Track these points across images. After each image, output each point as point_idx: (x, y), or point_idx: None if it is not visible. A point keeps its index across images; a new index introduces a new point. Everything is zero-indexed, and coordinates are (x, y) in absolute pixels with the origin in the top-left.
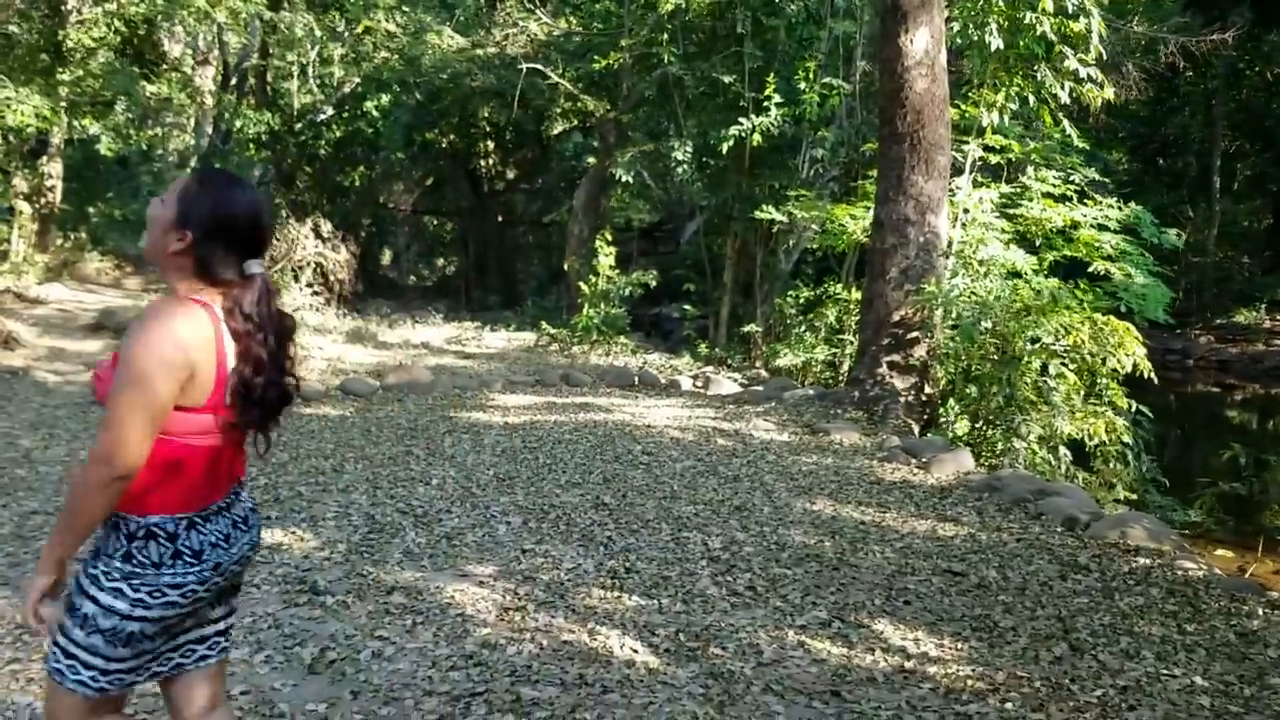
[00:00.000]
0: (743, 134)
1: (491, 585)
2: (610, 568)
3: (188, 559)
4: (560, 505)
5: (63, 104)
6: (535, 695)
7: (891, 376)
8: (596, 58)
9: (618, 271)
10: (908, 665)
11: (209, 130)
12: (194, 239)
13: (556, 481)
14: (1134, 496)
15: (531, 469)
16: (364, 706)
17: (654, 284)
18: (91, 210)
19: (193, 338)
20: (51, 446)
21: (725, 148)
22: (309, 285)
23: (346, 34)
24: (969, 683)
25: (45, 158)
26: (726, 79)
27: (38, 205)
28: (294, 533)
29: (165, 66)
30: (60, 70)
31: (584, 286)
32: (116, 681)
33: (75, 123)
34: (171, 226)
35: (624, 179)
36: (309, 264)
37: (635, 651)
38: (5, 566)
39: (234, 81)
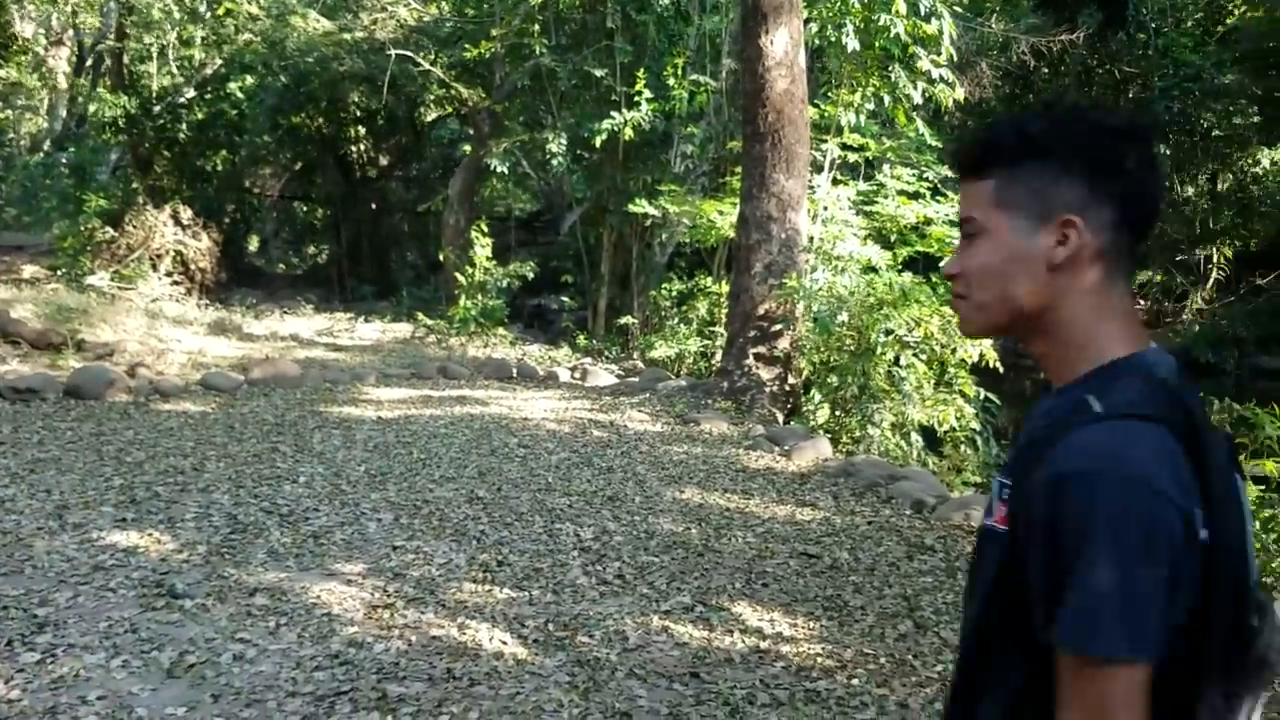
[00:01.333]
0: (615, 128)
1: (360, 583)
2: (482, 561)
3: None
4: (434, 500)
5: None
6: (402, 691)
7: (758, 368)
8: (468, 46)
9: (494, 263)
10: (763, 645)
11: (63, 113)
12: None
13: (430, 476)
14: (981, 480)
15: (405, 464)
16: (225, 709)
17: (533, 275)
18: None
19: None
20: None
21: (599, 141)
22: (168, 274)
23: (208, 15)
24: (819, 660)
25: None
26: (598, 72)
27: None
28: (150, 535)
29: (16, 48)
30: None
31: (460, 277)
32: None
33: None
34: None
35: (499, 169)
36: (168, 252)
37: (504, 643)
38: None
39: (89, 64)
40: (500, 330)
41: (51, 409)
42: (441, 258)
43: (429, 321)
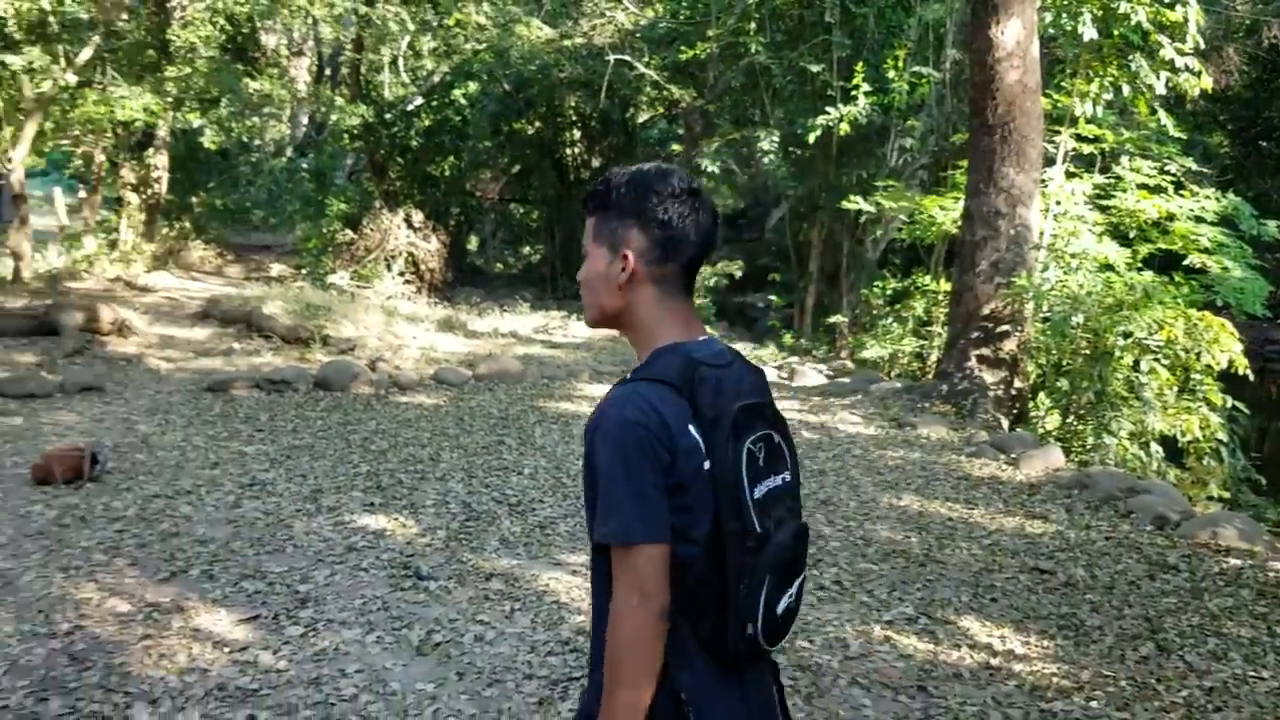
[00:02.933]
0: (830, 123)
1: (584, 574)
2: None
3: None
4: None
5: (169, 100)
6: None
7: (980, 370)
8: (683, 47)
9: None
10: (994, 662)
11: (304, 121)
12: None
13: None
14: (1227, 495)
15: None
16: (469, 687)
17: (738, 274)
18: (194, 200)
19: None
20: (168, 432)
21: (812, 137)
22: (401, 274)
23: (438, 26)
24: (1054, 680)
25: (152, 150)
26: (814, 68)
27: (145, 196)
28: (396, 519)
29: (264, 60)
30: (167, 67)
31: None
32: None
33: (179, 116)
34: None
35: (709, 168)
36: (401, 253)
37: None
38: (133, 547)
39: (328, 74)
40: (706, 329)
41: (302, 399)
42: None
43: None
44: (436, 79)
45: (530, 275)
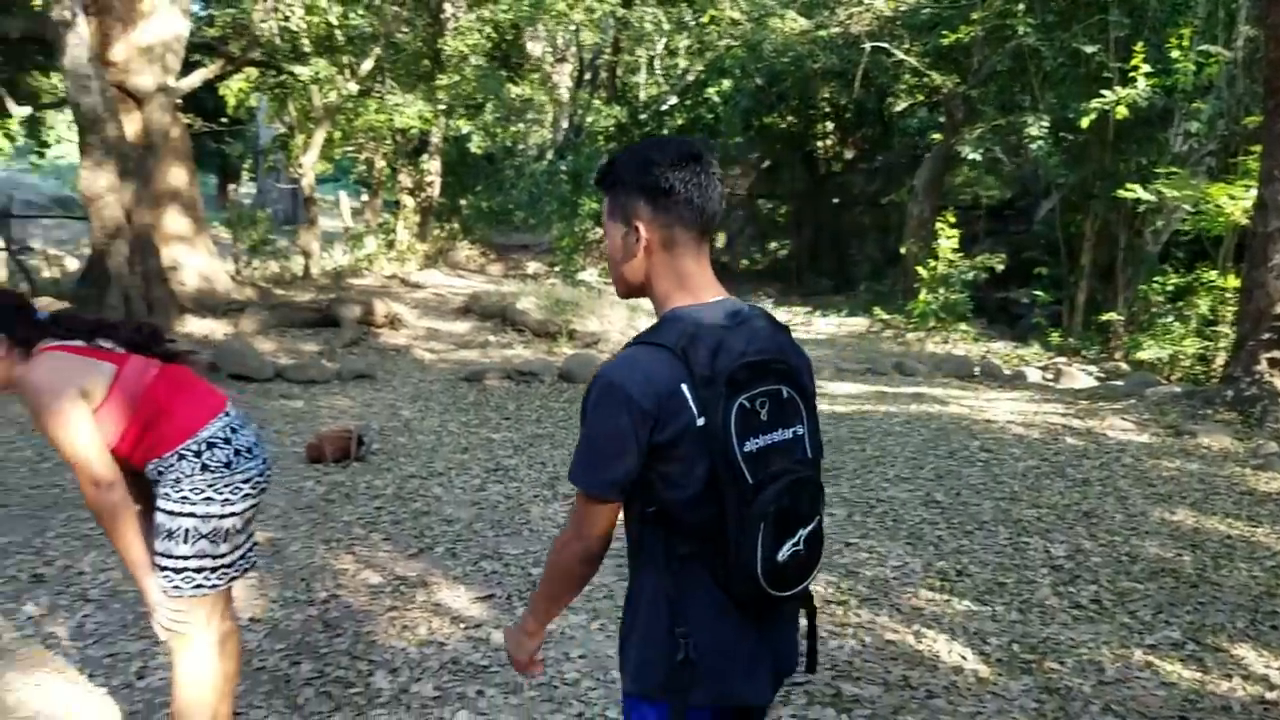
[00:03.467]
0: (1106, 107)
1: (825, 586)
2: (940, 569)
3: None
4: (888, 500)
5: (441, 107)
6: (856, 692)
7: (1271, 375)
8: (945, 32)
9: (960, 254)
10: (1270, 695)
11: (564, 125)
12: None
13: (884, 475)
14: None
15: (858, 461)
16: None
17: (1000, 268)
18: (463, 202)
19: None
20: (427, 417)
21: (1086, 122)
22: None
23: (693, 24)
24: None
25: (426, 155)
26: (1088, 49)
27: (419, 199)
28: None
29: (528, 67)
30: (439, 76)
31: (921, 270)
32: (225, 575)
33: (450, 123)
34: None
35: (971, 156)
36: None
37: (964, 658)
38: (389, 523)
39: (588, 78)
40: (962, 326)
41: (547, 390)
42: (902, 250)
43: (886, 316)
44: (690, 78)
45: (776, 271)
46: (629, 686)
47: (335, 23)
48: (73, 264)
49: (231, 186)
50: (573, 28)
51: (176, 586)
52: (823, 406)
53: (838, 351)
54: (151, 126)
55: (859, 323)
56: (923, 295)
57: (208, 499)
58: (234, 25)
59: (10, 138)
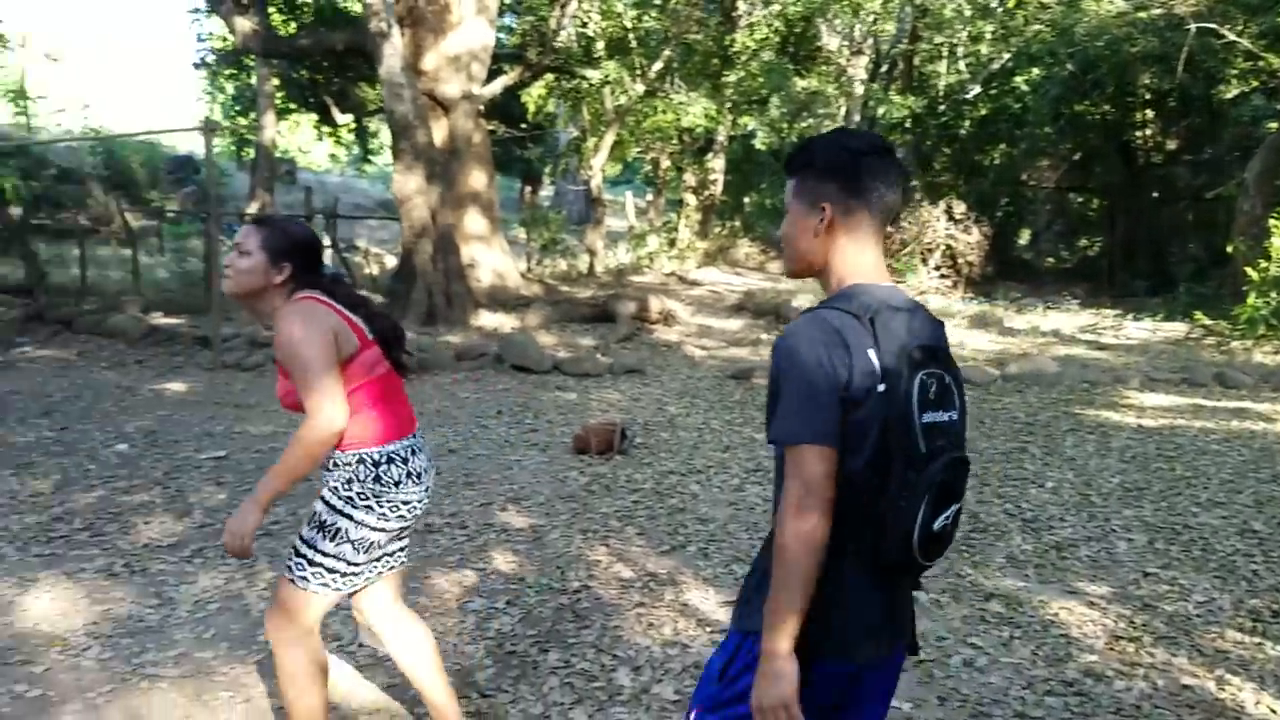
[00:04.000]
0: None
1: (1103, 608)
2: (1252, 607)
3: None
4: (1196, 526)
5: (727, 104)
6: None
7: None
8: None
9: None
10: None
11: (856, 118)
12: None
13: (1194, 498)
14: None
15: (1165, 481)
16: (949, 714)
17: None
18: (746, 200)
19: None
20: (692, 414)
21: None
22: (936, 268)
23: (998, 9)
24: None
25: (711, 154)
26: None
27: (702, 197)
28: None
29: (819, 60)
30: (726, 73)
31: (1252, 272)
32: (349, 584)
33: (736, 120)
34: (270, 265)
35: None
36: (938, 246)
37: (1273, 712)
38: (644, 518)
39: (883, 69)
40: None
41: None
42: (1229, 249)
43: (1208, 321)
44: (995, 66)
45: (1084, 270)
46: (746, 624)
47: (630, 26)
48: (390, 261)
49: (527, 189)
50: (870, 18)
51: (304, 577)
52: (1128, 419)
53: (1150, 359)
54: (456, 132)
55: (1176, 328)
56: (1251, 299)
57: (368, 508)
58: (533, 32)
59: (342, 145)
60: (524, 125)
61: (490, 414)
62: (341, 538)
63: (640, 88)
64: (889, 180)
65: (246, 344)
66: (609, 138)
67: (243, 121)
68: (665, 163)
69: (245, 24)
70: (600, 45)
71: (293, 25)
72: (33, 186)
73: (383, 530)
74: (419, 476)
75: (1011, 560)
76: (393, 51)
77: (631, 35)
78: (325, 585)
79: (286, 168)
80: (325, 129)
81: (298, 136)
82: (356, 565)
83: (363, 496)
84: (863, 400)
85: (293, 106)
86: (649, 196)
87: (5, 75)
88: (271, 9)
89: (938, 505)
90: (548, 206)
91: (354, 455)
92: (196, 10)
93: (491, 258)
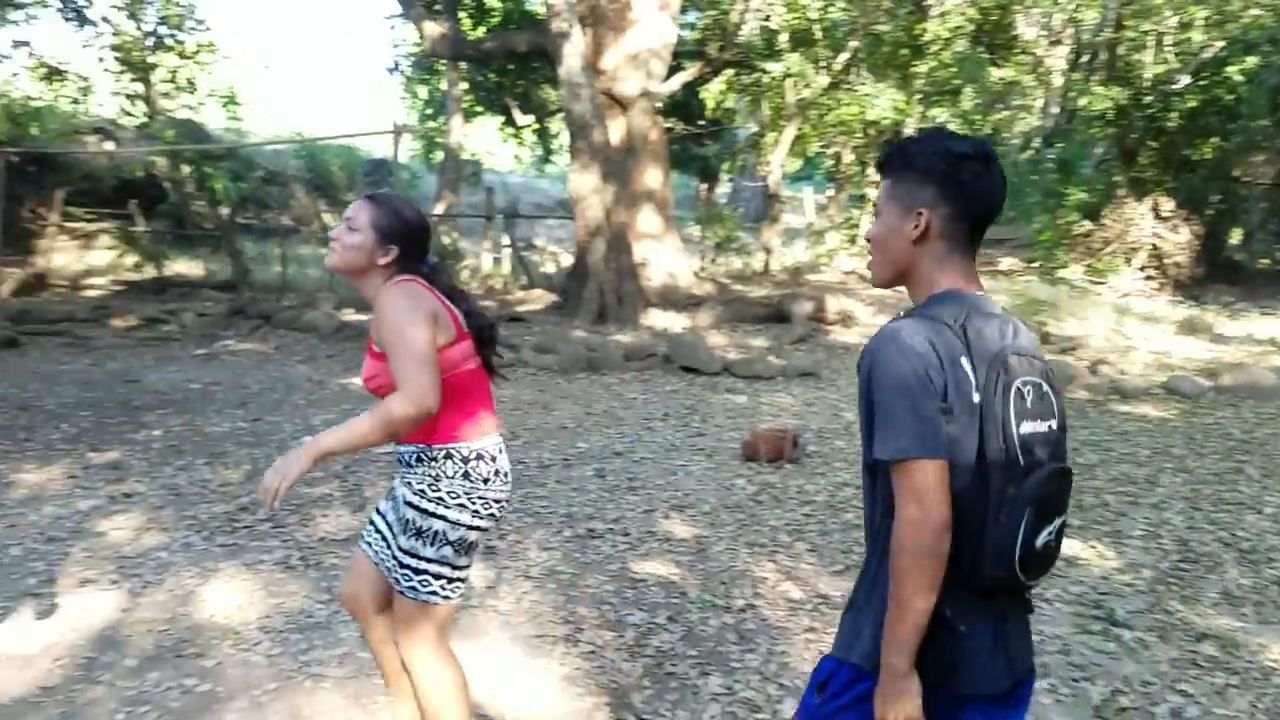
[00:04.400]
0: None
1: None
2: None
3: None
4: None
5: (916, 96)
6: None
7: None
8: None
9: None
10: None
11: (1055, 110)
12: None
13: None
14: None
15: None
16: None
17: None
18: None
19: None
20: None
21: None
22: (1141, 269)
23: None
24: None
25: None
26: None
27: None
28: (1094, 547)
29: (1015, 50)
30: (915, 63)
31: None
32: (458, 589)
33: (925, 112)
34: (376, 245)
35: None
36: (1143, 246)
37: None
38: (816, 534)
39: (1084, 58)
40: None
41: None
42: None
43: None
44: (1207, 55)
45: None
46: (848, 654)
47: (815, 17)
48: (566, 260)
49: (704, 186)
50: (1071, 5)
51: (413, 588)
52: None
53: None
54: (633, 130)
55: None
56: None
57: (461, 505)
58: (715, 27)
59: (524, 146)
60: (702, 122)
61: (657, 416)
62: (440, 540)
63: (824, 80)
64: (990, 188)
65: None
66: (789, 132)
67: (434, 125)
68: (848, 157)
69: (434, 28)
70: (783, 38)
71: (481, 29)
72: (241, 188)
73: (478, 529)
74: (504, 475)
75: (1226, 596)
76: (573, 51)
77: (816, 27)
78: (436, 593)
79: (472, 169)
80: (508, 130)
81: (484, 138)
82: (460, 568)
83: (453, 494)
84: (958, 413)
85: (479, 109)
86: (829, 192)
87: (217, 81)
88: (462, 13)
89: (1039, 520)
90: (724, 204)
91: (441, 450)
92: (392, 15)
93: (664, 256)
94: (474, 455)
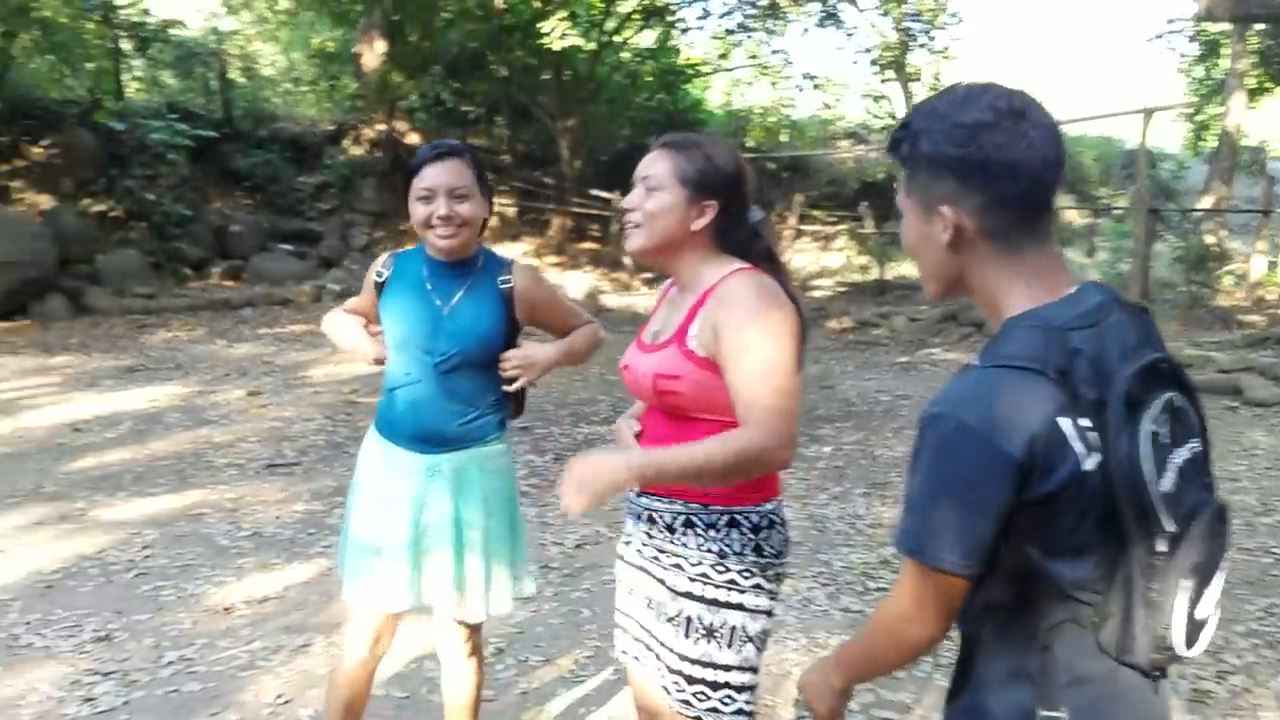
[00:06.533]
0: None
1: None
2: None
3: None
4: None
5: None
6: None
7: None
8: None
9: None
10: None
11: None
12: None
13: None
14: None
15: None
16: None
17: None
18: None
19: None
20: None
21: None
22: None
23: None
24: None
25: None
26: None
27: None
28: None
29: None
30: None
31: None
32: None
33: None
34: (688, 203)
35: None
36: None
37: None
38: None
39: None
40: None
41: None
42: None
43: None
44: None
45: None
46: None
47: None
48: None
49: None
50: None
51: (713, 709)
52: None
53: None
54: None
55: None
56: None
57: (757, 587)
58: None
59: None
60: None
61: None
62: (740, 637)
63: None
64: (1028, 153)
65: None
66: None
67: (1199, 104)
68: None
69: None
70: None
71: None
72: None
73: (773, 616)
74: (789, 543)
75: None
76: None
77: None
78: (742, 710)
79: (1255, 157)
80: None
81: (1275, 120)
82: (757, 671)
83: (746, 574)
84: (1061, 494)
85: (1269, 84)
86: None
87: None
88: None
89: (1200, 584)
90: None
91: (722, 515)
92: None
93: None
94: (766, 522)
